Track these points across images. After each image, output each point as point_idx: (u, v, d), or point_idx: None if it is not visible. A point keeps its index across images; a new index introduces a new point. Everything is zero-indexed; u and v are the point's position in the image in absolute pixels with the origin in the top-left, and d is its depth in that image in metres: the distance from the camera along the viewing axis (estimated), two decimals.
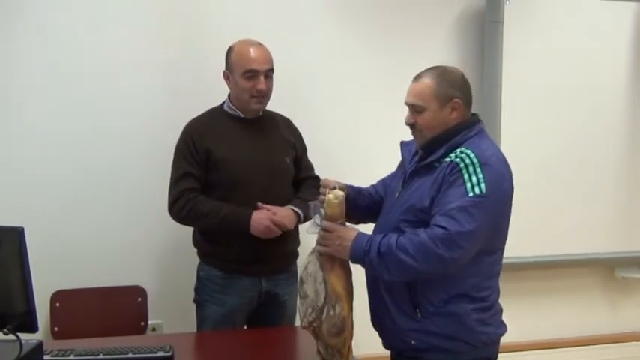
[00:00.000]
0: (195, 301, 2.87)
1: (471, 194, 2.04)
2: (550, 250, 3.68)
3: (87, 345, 2.37)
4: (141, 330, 3.13)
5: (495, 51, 3.49)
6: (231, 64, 2.75)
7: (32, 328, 1.95)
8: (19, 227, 1.91)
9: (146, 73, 3.18)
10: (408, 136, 2.32)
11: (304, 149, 2.98)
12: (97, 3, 3.12)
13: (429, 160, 2.17)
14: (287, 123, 2.95)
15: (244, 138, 2.78)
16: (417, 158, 2.27)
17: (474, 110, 2.29)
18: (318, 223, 2.21)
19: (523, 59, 3.56)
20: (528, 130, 3.58)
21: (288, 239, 2.80)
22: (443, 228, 2.02)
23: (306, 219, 2.77)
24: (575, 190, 3.70)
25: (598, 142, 3.73)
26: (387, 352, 2.35)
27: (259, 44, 2.75)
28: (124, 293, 3.14)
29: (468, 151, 2.10)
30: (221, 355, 2.53)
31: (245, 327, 2.88)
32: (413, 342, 2.18)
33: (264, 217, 2.67)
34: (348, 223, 2.25)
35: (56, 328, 3.03)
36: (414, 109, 2.20)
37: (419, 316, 2.16)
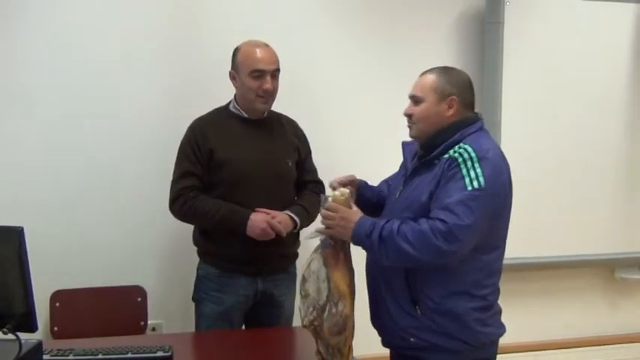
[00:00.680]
0: (193, 298, 2.88)
1: (469, 188, 2.05)
2: (550, 250, 3.68)
3: (86, 345, 2.37)
4: (140, 330, 3.13)
5: (495, 52, 3.50)
6: (238, 64, 2.77)
7: (31, 327, 1.95)
8: (19, 227, 1.91)
9: (148, 74, 3.18)
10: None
11: (309, 152, 2.99)
12: (101, 3, 3.12)
13: (429, 157, 2.19)
14: (292, 125, 2.96)
15: (248, 138, 2.79)
16: (417, 157, 2.28)
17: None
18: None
19: (523, 60, 3.56)
20: (528, 131, 3.59)
21: (287, 241, 2.80)
22: (442, 221, 2.03)
23: (302, 227, 2.80)
24: (575, 190, 3.70)
25: (598, 143, 3.73)
26: (386, 352, 2.36)
27: (266, 45, 2.77)
28: (123, 293, 3.14)
29: (466, 146, 2.12)
30: (220, 355, 2.53)
31: (243, 326, 2.89)
32: (412, 340, 2.18)
33: (262, 220, 2.68)
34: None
35: (56, 328, 3.03)
36: (414, 100, 2.25)
37: (418, 313, 2.17)
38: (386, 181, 2.52)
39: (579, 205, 3.71)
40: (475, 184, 2.06)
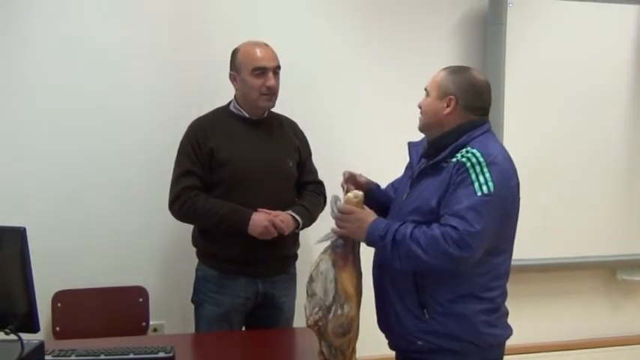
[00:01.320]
0: (192, 300, 2.88)
1: (479, 193, 2.05)
2: (552, 252, 3.68)
3: (88, 345, 2.38)
4: (142, 330, 3.13)
5: (498, 53, 3.49)
6: (238, 64, 2.77)
7: (34, 328, 1.95)
8: (21, 227, 1.91)
9: (150, 74, 3.18)
10: (414, 136, 2.34)
11: (309, 153, 2.99)
12: (102, 3, 3.12)
13: (436, 159, 2.19)
14: (292, 126, 2.96)
15: (248, 138, 2.79)
16: (424, 159, 2.28)
17: None
18: (335, 211, 2.22)
19: (525, 61, 3.56)
20: (531, 132, 3.58)
21: (287, 242, 2.80)
22: (454, 228, 2.03)
23: (304, 227, 2.80)
24: (577, 192, 3.69)
25: (600, 145, 3.73)
26: (392, 354, 2.36)
27: (265, 44, 2.78)
28: (125, 294, 3.14)
29: (474, 150, 2.12)
30: (222, 356, 2.53)
31: (243, 327, 2.88)
32: (419, 343, 2.18)
33: (264, 218, 2.68)
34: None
35: (58, 329, 3.04)
36: (425, 92, 2.28)
37: (426, 316, 2.17)
38: (392, 184, 2.51)
39: (581, 207, 3.70)
40: (485, 189, 2.06)
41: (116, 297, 3.13)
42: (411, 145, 2.38)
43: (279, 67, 2.78)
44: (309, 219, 2.82)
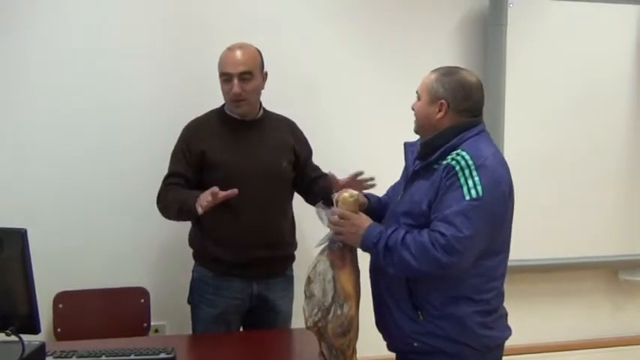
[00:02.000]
0: (189, 301, 2.88)
1: (467, 197, 2.04)
2: (553, 252, 3.68)
3: (89, 346, 2.38)
4: (143, 331, 3.14)
5: (498, 53, 3.49)
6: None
7: (35, 329, 1.96)
8: (22, 229, 1.91)
9: (151, 74, 3.18)
10: (411, 137, 2.34)
11: (309, 152, 2.97)
12: (102, 3, 3.13)
13: (427, 161, 2.18)
14: (290, 126, 2.94)
15: (239, 140, 2.78)
16: (418, 160, 2.27)
17: None
18: (325, 219, 2.21)
19: (526, 62, 3.56)
20: (531, 133, 3.58)
21: (283, 243, 2.81)
22: (441, 234, 2.03)
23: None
24: (579, 192, 3.69)
25: (602, 145, 3.72)
26: (392, 355, 2.35)
27: (240, 47, 2.73)
28: (126, 295, 3.15)
29: (464, 153, 2.10)
30: (223, 357, 2.53)
31: (241, 329, 2.88)
32: (415, 344, 2.18)
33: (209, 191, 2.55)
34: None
35: (59, 330, 3.04)
36: (417, 95, 2.26)
37: (420, 318, 2.16)
38: (392, 187, 2.50)
39: (583, 207, 3.70)
40: (473, 193, 2.04)
41: (117, 298, 3.13)
42: (407, 145, 2.37)
43: (247, 72, 2.70)
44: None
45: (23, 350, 1.88)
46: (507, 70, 3.49)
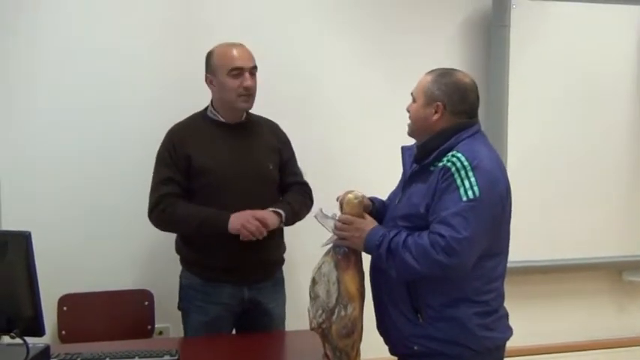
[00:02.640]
0: (179, 308, 2.85)
1: (464, 198, 2.04)
2: (557, 253, 3.67)
3: (94, 349, 2.39)
4: (147, 334, 3.14)
5: (502, 55, 3.49)
6: (214, 66, 2.73)
7: (39, 332, 1.96)
8: (26, 232, 1.92)
9: (150, 74, 3.18)
10: (410, 140, 2.34)
11: (292, 155, 2.92)
12: (102, 3, 3.13)
13: (423, 163, 2.18)
14: (272, 128, 2.91)
15: (225, 143, 2.75)
16: (415, 163, 2.27)
17: (479, 113, 2.27)
18: (330, 224, 2.22)
19: (529, 63, 3.56)
20: (535, 134, 3.59)
21: (271, 246, 2.76)
22: (440, 235, 2.03)
23: (288, 221, 2.73)
24: (583, 193, 3.69)
25: (605, 146, 3.73)
26: (394, 358, 2.35)
27: (240, 44, 2.75)
28: (130, 297, 3.15)
29: (459, 155, 2.10)
30: (227, 359, 2.53)
31: (234, 331, 2.85)
32: (415, 347, 2.18)
33: (244, 214, 2.61)
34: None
35: (63, 332, 3.04)
36: (412, 97, 2.26)
37: (420, 320, 2.16)
38: (393, 192, 2.48)
39: (587, 208, 3.70)
40: (470, 194, 2.04)
41: (122, 300, 3.13)
42: (404, 149, 2.37)
43: (255, 67, 2.73)
44: (293, 214, 2.75)
45: (28, 353, 1.89)
46: (511, 71, 3.49)
